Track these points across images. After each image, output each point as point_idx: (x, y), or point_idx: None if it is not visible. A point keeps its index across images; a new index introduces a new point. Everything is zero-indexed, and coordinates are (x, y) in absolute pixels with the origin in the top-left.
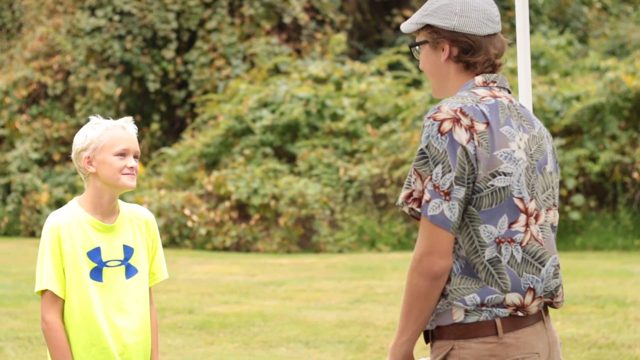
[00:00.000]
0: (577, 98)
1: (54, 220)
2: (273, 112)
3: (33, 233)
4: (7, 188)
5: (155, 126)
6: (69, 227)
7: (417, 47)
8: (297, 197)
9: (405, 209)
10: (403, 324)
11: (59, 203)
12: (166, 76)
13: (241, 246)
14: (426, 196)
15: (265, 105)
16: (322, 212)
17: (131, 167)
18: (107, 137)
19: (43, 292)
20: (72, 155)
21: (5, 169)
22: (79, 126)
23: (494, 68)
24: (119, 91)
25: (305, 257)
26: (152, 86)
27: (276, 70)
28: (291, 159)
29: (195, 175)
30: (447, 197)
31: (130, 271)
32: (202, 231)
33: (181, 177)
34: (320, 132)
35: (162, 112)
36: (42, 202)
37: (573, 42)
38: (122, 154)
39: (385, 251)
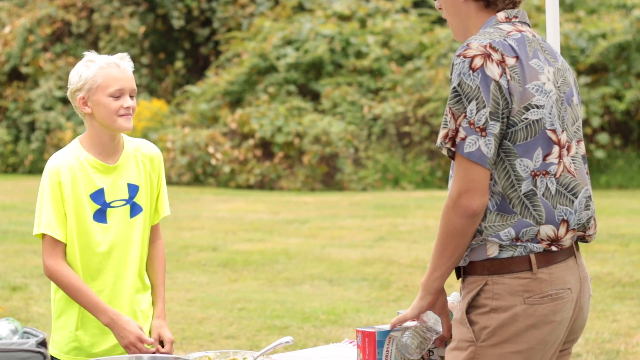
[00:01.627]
0: (603, 36)
1: (54, 163)
2: (297, 49)
3: None
4: (32, 126)
5: (179, 64)
6: (70, 170)
7: None
8: (321, 135)
9: (444, 150)
10: (436, 260)
11: None
12: (190, 13)
13: (265, 184)
14: (461, 134)
15: (289, 42)
16: (346, 150)
17: (127, 107)
18: (101, 77)
19: (43, 236)
20: (68, 94)
21: (30, 107)
22: None
23: (514, 4)
24: (142, 29)
25: (329, 195)
26: (177, 23)
27: (300, 8)
28: (315, 96)
29: (219, 113)
30: (483, 133)
31: (135, 210)
32: (226, 169)
33: (205, 115)
34: (344, 70)
35: (186, 49)
36: (66, 140)
37: None
38: (117, 95)
39: (409, 189)
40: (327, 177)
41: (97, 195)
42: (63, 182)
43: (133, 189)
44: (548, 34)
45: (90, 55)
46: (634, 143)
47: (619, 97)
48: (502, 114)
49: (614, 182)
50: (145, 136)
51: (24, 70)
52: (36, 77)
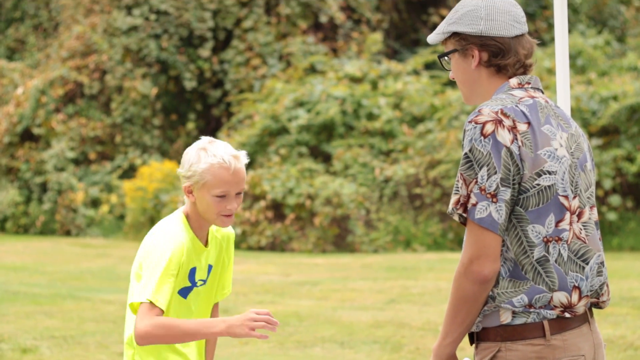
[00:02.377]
0: (615, 98)
1: (179, 239)
2: (309, 111)
3: (68, 232)
4: (44, 187)
5: (191, 125)
6: (188, 247)
7: (446, 58)
8: (333, 196)
9: (455, 217)
10: (448, 326)
11: (94, 202)
12: (202, 75)
13: (276, 246)
14: (472, 200)
15: (301, 104)
16: (358, 212)
17: (230, 209)
18: (210, 175)
19: (146, 303)
20: (178, 172)
21: (42, 167)
22: (115, 125)
23: (525, 69)
24: (155, 90)
25: (341, 257)
26: (189, 85)
27: (312, 70)
28: (327, 158)
29: None
30: (494, 199)
31: (203, 287)
32: (238, 230)
33: None
34: (356, 132)
35: (198, 111)
36: (77, 201)
37: (611, 42)
38: (223, 196)
39: (421, 251)
40: (339, 238)
41: (192, 274)
42: (183, 257)
43: (209, 269)
44: (558, 96)
45: (205, 143)
46: None
47: (630, 159)
48: (513, 180)
49: (626, 245)
50: (156, 197)
51: (36, 131)
52: (48, 138)
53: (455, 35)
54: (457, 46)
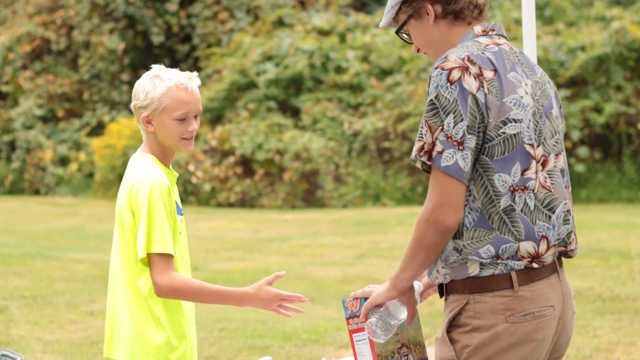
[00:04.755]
0: (582, 48)
1: (159, 179)
2: (277, 65)
3: (37, 191)
4: (12, 145)
5: None
6: (169, 184)
7: (404, 33)
8: (302, 151)
9: (418, 164)
10: (407, 263)
11: (63, 160)
12: (170, 30)
13: (246, 202)
14: (438, 147)
15: (269, 58)
16: (327, 166)
17: (191, 131)
18: (169, 98)
19: (159, 255)
20: (131, 107)
21: (10, 126)
22: (82, 82)
23: (480, 10)
24: (122, 45)
25: (310, 212)
26: (156, 39)
27: (280, 23)
28: (295, 112)
29: (199, 131)
30: (461, 147)
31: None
32: (207, 187)
33: None
34: (324, 85)
35: (166, 66)
36: (46, 159)
37: None
38: (183, 118)
39: (390, 206)
40: (308, 194)
41: (177, 204)
42: (171, 196)
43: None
44: (525, 46)
45: (157, 70)
46: (614, 156)
47: (598, 110)
48: (479, 128)
49: (594, 196)
50: (125, 155)
51: (4, 88)
52: (16, 95)
53: (404, 3)
54: (409, 12)
